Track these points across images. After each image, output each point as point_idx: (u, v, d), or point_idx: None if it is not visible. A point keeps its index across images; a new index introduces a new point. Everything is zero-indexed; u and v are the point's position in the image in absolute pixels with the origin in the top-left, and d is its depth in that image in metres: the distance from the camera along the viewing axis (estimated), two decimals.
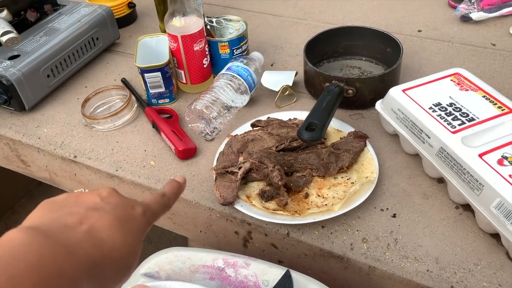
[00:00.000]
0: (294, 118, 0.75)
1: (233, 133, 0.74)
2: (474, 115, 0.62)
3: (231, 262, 0.55)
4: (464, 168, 0.56)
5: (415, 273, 0.55)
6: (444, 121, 0.62)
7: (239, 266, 0.54)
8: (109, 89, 0.86)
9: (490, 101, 0.64)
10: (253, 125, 0.75)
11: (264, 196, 0.63)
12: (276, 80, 0.82)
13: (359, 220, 0.61)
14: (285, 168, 0.66)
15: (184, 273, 0.55)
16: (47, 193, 1.56)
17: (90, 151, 0.77)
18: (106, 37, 0.98)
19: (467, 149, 0.57)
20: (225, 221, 0.66)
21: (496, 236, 0.57)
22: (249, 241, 0.66)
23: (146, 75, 0.80)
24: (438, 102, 0.65)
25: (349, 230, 0.60)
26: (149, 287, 0.51)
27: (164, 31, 0.82)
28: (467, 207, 0.60)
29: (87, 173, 0.77)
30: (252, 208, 0.62)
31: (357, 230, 0.60)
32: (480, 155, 0.56)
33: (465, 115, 0.62)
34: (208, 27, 0.87)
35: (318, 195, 0.64)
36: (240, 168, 0.65)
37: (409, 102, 0.66)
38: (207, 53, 0.83)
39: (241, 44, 0.86)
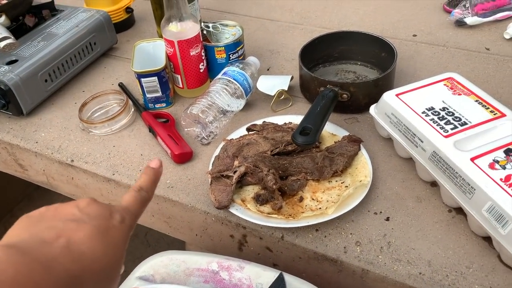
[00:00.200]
0: (289, 122, 0.76)
1: (229, 137, 0.74)
2: (467, 120, 0.63)
3: (225, 265, 0.55)
4: (456, 172, 0.57)
5: (407, 276, 0.55)
6: (437, 125, 0.62)
7: (233, 269, 0.55)
8: (107, 94, 0.87)
9: (483, 106, 0.65)
10: (248, 129, 0.76)
11: (259, 199, 0.64)
12: (271, 84, 0.83)
13: (353, 223, 0.62)
14: (280, 172, 0.66)
15: (179, 276, 0.56)
16: (45, 197, 1.58)
17: (87, 155, 0.77)
18: (103, 42, 0.99)
19: (459, 153, 0.58)
20: (220, 224, 0.66)
21: (488, 239, 0.57)
22: (244, 245, 0.67)
23: (142, 79, 0.80)
24: (431, 107, 0.66)
25: (343, 233, 0.61)
26: None
27: (161, 36, 0.83)
28: (460, 211, 0.61)
29: (84, 177, 0.77)
30: (247, 211, 0.62)
31: (351, 234, 0.61)
32: (472, 159, 0.57)
33: (458, 119, 0.63)
34: (205, 32, 0.88)
35: (313, 199, 0.64)
36: (235, 172, 0.65)
37: (402, 107, 0.66)
38: (203, 58, 0.84)
39: (237, 49, 0.86)
